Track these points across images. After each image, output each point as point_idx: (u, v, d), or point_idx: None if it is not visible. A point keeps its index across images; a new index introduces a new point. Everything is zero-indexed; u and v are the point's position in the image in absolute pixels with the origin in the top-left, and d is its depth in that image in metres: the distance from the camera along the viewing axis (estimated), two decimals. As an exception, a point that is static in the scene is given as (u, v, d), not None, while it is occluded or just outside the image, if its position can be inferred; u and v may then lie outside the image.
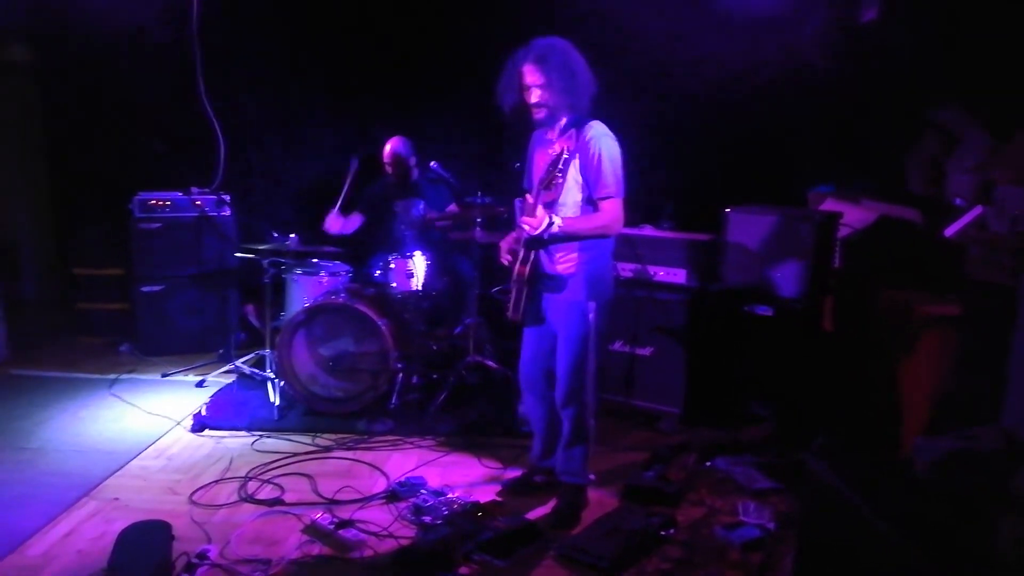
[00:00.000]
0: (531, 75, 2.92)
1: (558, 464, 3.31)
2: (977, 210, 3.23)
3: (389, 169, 4.98)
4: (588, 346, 3.07)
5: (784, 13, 4.92)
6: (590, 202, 3.00)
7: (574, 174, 2.95)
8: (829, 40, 4.76)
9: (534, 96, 2.94)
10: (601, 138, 2.96)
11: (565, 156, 2.85)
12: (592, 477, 3.38)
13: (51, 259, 6.50)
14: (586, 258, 3.06)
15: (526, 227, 2.88)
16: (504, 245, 3.21)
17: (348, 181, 4.70)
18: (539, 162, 3.14)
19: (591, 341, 3.08)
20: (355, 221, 5.06)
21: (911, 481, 2.13)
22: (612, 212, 2.98)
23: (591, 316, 3.06)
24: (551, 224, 2.86)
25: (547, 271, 3.10)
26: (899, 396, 3.60)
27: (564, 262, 3.07)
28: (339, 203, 4.78)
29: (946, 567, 1.73)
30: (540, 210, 2.87)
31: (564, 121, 3.02)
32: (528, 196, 3.03)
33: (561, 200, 2.95)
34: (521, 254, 3.04)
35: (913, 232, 3.97)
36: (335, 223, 4.84)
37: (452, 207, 4.97)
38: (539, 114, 2.98)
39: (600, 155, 2.93)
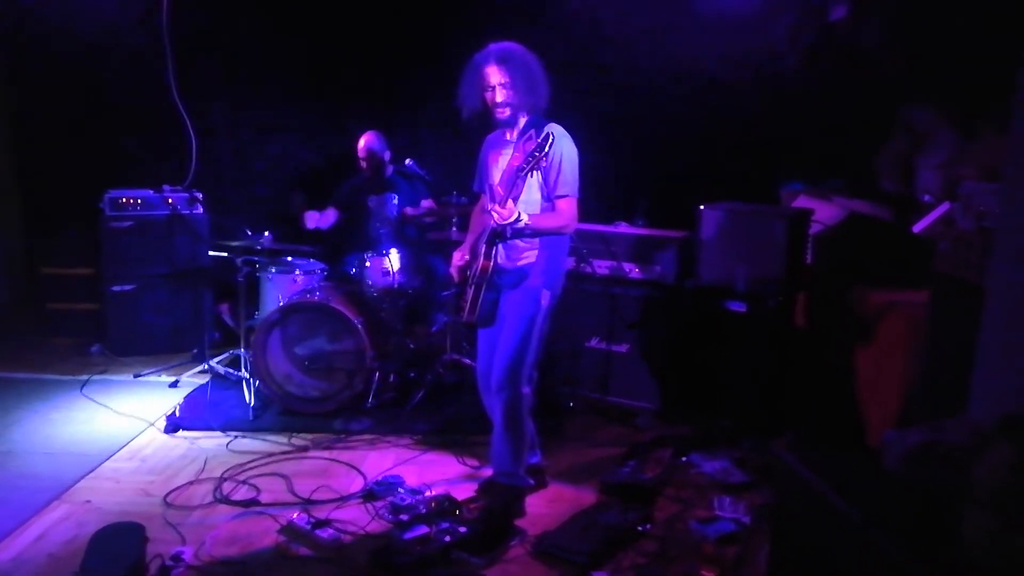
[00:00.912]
0: (496, 75, 2.99)
1: (493, 464, 3.28)
2: (945, 206, 3.28)
3: (363, 164, 4.96)
4: (534, 330, 3.09)
5: (756, 12, 4.98)
6: (548, 200, 3.08)
7: (535, 174, 2.98)
8: (800, 39, 4.81)
9: (500, 95, 3.00)
10: (560, 139, 3.01)
11: (552, 141, 2.85)
12: (531, 482, 3.30)
13: (20, 259, 6.37)
14: (545, 255, 3.13)
15: (495, 216, 2.90)
16: (458, 255, 3.26)
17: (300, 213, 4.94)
18: (492, 163, 3.19)
19: (537, 328, 3.10)
20: (330, 216, 5.04)
21: (881, 473, 2.17)
22: (570, 211, 3.08)
23: (544, 302, 3.10)
24: (519, 218, 2.91)
25: (506, 267, 3.13)
26: (870, 389, 3.66)
27: (525, 258, 3.12)
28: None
29: (915, 558, 1.76)
30: (510, 203, 2.91)
31: (523, 122, 3.09)
32: (498, 188, 3.04)
33: (523, 198, 3.00)
34: (483, 250, 3.07)
35: (883, 228, 4.03)
36: (312, 219, 4.90)
37: (428, 203, 4.96)
38: (502, 114, 3.04)
39: (561, 156, 3.01)
